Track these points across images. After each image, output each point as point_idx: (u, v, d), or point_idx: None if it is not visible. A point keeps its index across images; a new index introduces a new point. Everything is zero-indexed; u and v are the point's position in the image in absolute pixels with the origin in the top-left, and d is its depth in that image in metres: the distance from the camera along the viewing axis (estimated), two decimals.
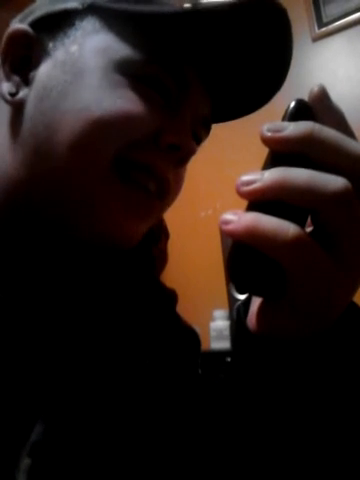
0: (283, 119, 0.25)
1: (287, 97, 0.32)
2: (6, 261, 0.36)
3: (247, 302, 0.31)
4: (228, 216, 0.23)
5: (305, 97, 0.26)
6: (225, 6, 0.32)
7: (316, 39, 1.56)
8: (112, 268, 0.42)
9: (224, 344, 1.41)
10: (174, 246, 1.62)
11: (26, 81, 0.36)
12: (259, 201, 0.23)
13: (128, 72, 0.34)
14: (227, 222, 0.23)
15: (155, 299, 0.45)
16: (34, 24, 0.37)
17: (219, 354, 1.10)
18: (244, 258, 0.24)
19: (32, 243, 0.37)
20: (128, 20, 0.34)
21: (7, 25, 0.39)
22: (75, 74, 0.34)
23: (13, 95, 0.36)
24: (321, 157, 0.23)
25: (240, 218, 0.23)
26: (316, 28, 1.55)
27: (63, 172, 0.34)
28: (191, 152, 0.37)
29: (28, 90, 0.36)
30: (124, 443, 0.34)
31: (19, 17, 0.39)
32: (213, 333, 1.46)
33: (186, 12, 0.33)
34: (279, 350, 0.27)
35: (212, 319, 1.50)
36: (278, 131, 0.23)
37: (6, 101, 0.36)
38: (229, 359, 0.35)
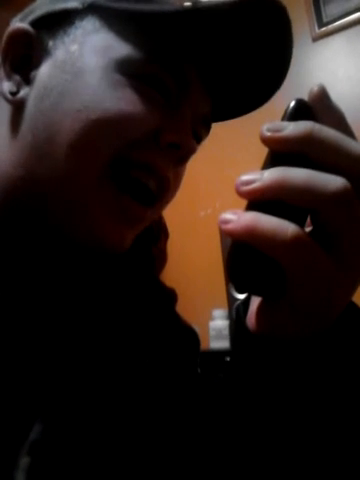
0: (283, 119, 0.25)
1: (287, 97, 0.32)
2: (4, 260, 0.36)
3: (247, 302, 0.31)
4: (227, 215, 0.23)
5: (305, 97, 0.26)
6: (225, 5, 0.32)
7: (316, 39, 1.56)
8: (111, 267, 0.42)
9: (223, 343, 1.41)
10: (174, 246, 1.63)
11: (27, 80, 0.36)
12: (259, 201, 0.23)
13: (128, 71, 0.34)
14: (226, 221, 0.23)
15: (154, 298, 0.45)
16: (34, 23, 0.37)
17: (218, 353, 1.10)
18: (243, 257, 0.24)
19: (31, 242, 0.37)
20: (128, 19, 0.34)
21: (7, 25, 0.39)
22: (75, 74, 0.34)
23: (14, 94, 0.36)
24: (321, 157, 0.23)
25: (239, 217, 0.23)
26: (316, 28, 1.55)
27: (61, 172, 0.34)
28: (191, 151, 0.37)
29: (29, 89, 0.36)
30: (123, 442, 0.34)
31: (19, 16, 0.39)
32: (212, 332, 1.46)
33: (186, 11, 0.33)
34: (278, 350, 0.27)
35: (211, 318, 1.50)
36: (278, 131, 0.23)
37: (7, 100, 0.36)
38: (228, 358, 0.35)
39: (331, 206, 0.22)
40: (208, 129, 0.42)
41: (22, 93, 0.36)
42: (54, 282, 0.37)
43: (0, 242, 0.36)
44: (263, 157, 0.25)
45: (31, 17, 0.37)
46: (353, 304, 0.28)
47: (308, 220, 0.24)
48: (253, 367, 0.29)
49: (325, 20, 1.54)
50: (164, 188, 0.37)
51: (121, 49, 0.34)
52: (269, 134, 0.23)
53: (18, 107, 0.36)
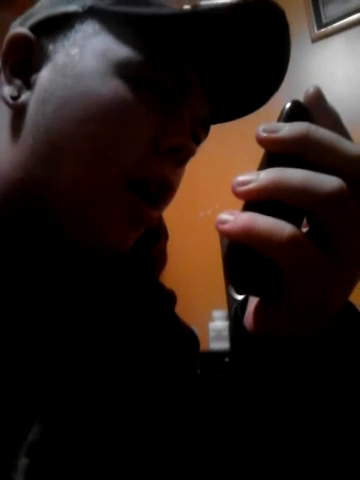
0: (279, 120, 0.25)
1: (286, 97, 0.32)
2: (4, 261, 0.36)
3: (245, 302, 0.31)
4: (224, 216, 0.23)
5: (302, 98, 0.26)
6: (224, 8, 0.33)
7: (315, 40, 1.56)
8: (111, 269, 0.42)
9: (223, 344, 1.41)
10: (173, 247, 1.63)
11: (27, 84, 0.36)
12: (255, 201, 0.23)
13: (127, 74, 0.34)
14: (223, 222, 0.23)
15: (154, 300, 0.45)
16: (35, 27, 0.37)
17: (218, 354, 1.10)
18: (240, 258, 0.24)
19: (30, 243, 0.37)
20: (128, 22, 0.35)
21: (8, 26, 0.39)
22: (75, 78, 0.34)
23: (15, 98, 0.36)
24: (316, 158, 0.23)
25: (236, 218, 0.23)
26: (315, 29, 1.55)
27: (65, 181, 0.34)
28: (191, 153, 0.37)
29: (29, 94, 0.36)
30: (122, 443, 0.34)
31: (20, 20, 0.39)
32: (212, 333, 1.46)
33: (185, 14, 0.33)
34: (275, 350, 0.27)
35: (211, 319, 1.50)
36: (273, 132, 0.23)
37: (7, 104, 0.36)
38: (228, 359, 0.35)
39: (327, 206, 0.22)
40: (207, 131, 0.42)
41: (23, 97, 0.36)
42: (53, 283, 0.37)
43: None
44: (259, 161, 0.25)
45: (31, 21, 0.37)
46: (350, 304, 0.28)
47: (305, 221, 0.24)
48: (250, 367, 0.29)
49: (324, 21, 1.54)
50: (165, 190, 0.37)
51: (121, 52, 0.34)
52: (265, 135, 0.23)
53: (19, 111, 0.36)
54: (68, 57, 0.35)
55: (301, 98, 0.26)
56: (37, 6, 0.39)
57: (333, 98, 0.26)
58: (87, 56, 0.35)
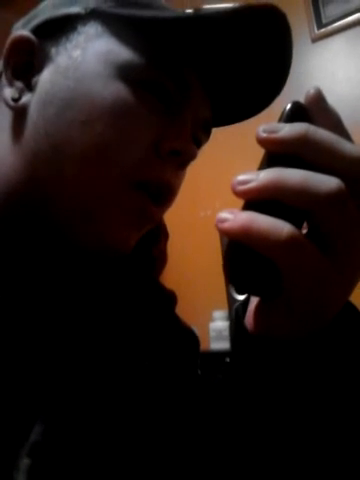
0: (279, 121, 0.25)
1: (286, 98, 0.32)
2: (6, 262, 0.36)
3: (246, 303, 0.31)
4: (224, 215, 0.23)
5: (302, 99, 0.26)
6: (226, 13, 0.33)
7: (315, 40, 1.56)
8: (111, 269, 0.42)
9: (224, 345, 1.41)
10: (173, 247, 1.62)
11: (29, 86, 0.36)
12: (255, 201, 0.23)
13: (129, 77, 0.34)
14: (223, 220, 0.23)
15: (154, 300, 0.45)
16: (37, 29, 0.37)
17: (219, 355, 1.10)
18: (239, 257, 0.24)
19: (31, 244, 0.37)
20: (130, 25, 0.35)
21: (8, 26, 0.39)
22: (77, 80, 0.34)
23: (16, 100, 0.36)
24: (315, 158, 0.23)
25: (236, 217, 0.23)
26: (315, 29, 1.55)
27: (67, 182, 0.34)
28: (192, 157, 0.37)
29: (31, 96, 0.36)
30: (123, 444, 0.34)
31: (22, 21, 0.39)
32: (212, 334, 1.46)
33: (187, 18, 0.34)
34: (276, 350, 0.27)
35: (212, 320, 1.50)
36: (273, 132, 0.23)
37: (8, 106, 0.36)
38: (228, 359, 0.35)
39: (326, 206, 0.22)
40: (208, 134, 0.42)
41: (24, 99, 0.36)
42: (55, 284, 0.37)
43: (1, 243, 0.36)
44: (259, 161, 0.25)
45: (34, 23, 0.37)
46: (350, 304, 0.28)
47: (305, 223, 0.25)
48: (251, 367, 0.29)
49: (324, 21, 1.54)
50: (166, 193, 0.37)
51: (123, 54, 0.34)
52: (265, 135, 0.24)
53: (20, 113, 0.36)
54: (70, 59, 0.35)
55: (301, 99, 0.26)
56: (40, 8, 0.39)
57: (333, 98, 0.26)
58: (89, 58, 0.35)
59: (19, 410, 0.30)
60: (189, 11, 0.34)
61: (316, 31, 1.55)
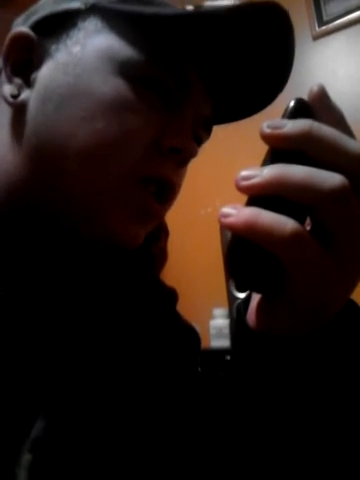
0: (283, 117, 0.25)
1: (287, 95, 0.32)
2: (7, 259, 0.36)
3: (247, 300, 0.31)
4: (227, 210, 0.24)
5: (305, 96, 0.26)
6: (227, 10, 0.33)
7: (316, 37, 1.55)
8: (112, 266, 0.42)
9: (224, 342, 1.41)
10: (174, 244, 1.62)
11: (28, 83, 0.36)
12: (258, 196, 0.23)
13: (129, 74, 0.34)
14: (226, 215, 0.23)
15: (155, 297, 0.45)
16: (37, 25, 0.37)
17: (219, 352, 1.10)
18: (243, 252, 0.24)
19: (33, 241, 0.37)
20: (130, 21, 0.34)
21: (8, 25, 0.39)
22: (77, 76, 0.34)
23: (15, 97, 0.36)
24: (319, 154, 0.23)
25: (239, 212, 0.23)
26: (316, 26, 1.55)
27: (69, 178, 0.34)
28: (192, 154, 0.37)
29: (30, 92, 0.36)
30: (124, 440, 0.34)
31: (23, 17, 0.39)
32: (213, 331, 1.46)
33: (188, 15, 0.33)
34: (278, 347, 0.27)
35: (212, 317, 1.50)
36: (277, 128, 0.23)
37: (8, 103, 0.36)
38: (229, 357, 0.35)
39: (329, 203, 0.22)
40: (209, 132, 0.42)
41: (23, 96, 0.36)
42: (56, 280, 0.37)
43: (1, 241, 0.36)
44: (263, 156, 0.25)
45: (34, 18, 0.37)
46: (352, 302, 0.28)
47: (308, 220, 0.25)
48: (253, 364, 0.30)
49: (325, 19, 1.54)
50: (166, 191, 0.37)
51: (122, 51, 0.34)
52: (269, 131, 0.24)
53: (19, 110, 0.36)
54: (70, 55, 0.35)
55: (302, 96, 0.26)
56: (40, 3, 0.39)
57: (334, 96, 0.26)
58: (89, 54, 0.35)
59: (21, 406, 0.30)
60: (190, 8, 0.34)
61: (317, 29, 1.55)
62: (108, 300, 0.40)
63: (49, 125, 0.34)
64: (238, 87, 0.40)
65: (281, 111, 0.26)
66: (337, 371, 0.27)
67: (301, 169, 0.23)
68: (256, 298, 0.29)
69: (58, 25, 0.36)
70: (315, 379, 0.27)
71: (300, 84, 0.58)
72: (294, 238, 0.22)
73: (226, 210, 0.24)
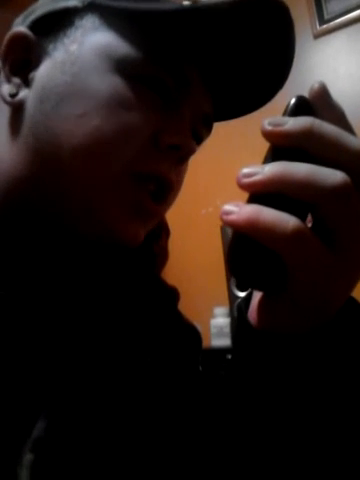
0: (284, 115, 0.25)
1: (288, 94, 0.32)
2: (6, 258, 0.36)
3: (248, 298, 0.31)
4: (229, 207, 0.24)
5: (306, 94, 0.26)
6: (225, 4, 0.32)
7: (317, 36, 1.55)
8: (113, 265, 0.42)
9: (225, 341, 1.41)
10: (175, 243, 1.62)
11: (26, 82, 0.36)
12: (260, 194, 0.23)
13: (126, 71, 0.34)
14: (228, 213, 0.23)
15: (156, 296, 0.45)
16: (35, 24, 0.37)
17: (220, 351, 1.10)
18: (244, 249, 0.24)
19: (32, 240, 0.37)
20: (128, 18, 0.34)
21: (8, 25, 0.39)
22: (74, 75, 0.34)
23: (13, 96, 0.36)
24: (321, 152, 0.23)
25: (241, 209, 0.23)
26: (317, 25, 1.54)
27: (68, 176, 0.34)
28: (191, 151, 0.37)
29: (28, 91, 0.36)
30: (125, 439, 0.34)
31: (21, 17, 0.39)
32: (214, 330, 1.46)
33: (186, 9, 0.33)
34: (279, 344, 0.27)
35: (213, 316, 1.50)
36: (279, 125, 0.23)
37: (6, 102, 0.36)
38: (230, 356, 0.35)
39: (331, 200, 0.22)
40: (209, 129, 0.42)
41: (21, 95, 0.36)
42: (57, 279, 0.37)
43: (1, 241, 0.36)
44: (264, 155, 0.25)
45: (31, 17, 0.37)
46: (353, 299, 0.28)
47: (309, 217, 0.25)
48: (254, 363, 0.29)
49: (326, 17, 1.53)
50: (165, 190, 0.37)
51: (120, 48, 0.34)
52: (270, 128, 0.24)
53: (17, 109, 0.36)
54: (67, 53, 0.35)
55: (303, 94, 0.26)
56: (39, 2, 0.38)
57: (335, 94, 0.26)
58: (86, 52, 0.34)
59: (22, 406, 0.30)
60: (187, 3, 0.34)
61: (318, 27, 1.54)
62: (109, 299, 0.40)
63: (47, 124, 0.34)
64: (239, 83, 0.40)
65: (282, 109, 0.26)
66: (339, 368, 0.27)
67: (303, 166, 0.22)
68: (257, 296, 0.29)
69: (56, 24, 0.36)
70: (317, 376, 0.27)
71: (301, 82, 0.58)
72: (296, 235, 0.22)
73: (228, 207, 0.23)
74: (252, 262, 0.24)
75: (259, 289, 0.28)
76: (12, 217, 0.36)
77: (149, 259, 0.51)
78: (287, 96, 0.27)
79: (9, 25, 0.40)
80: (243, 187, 0.23)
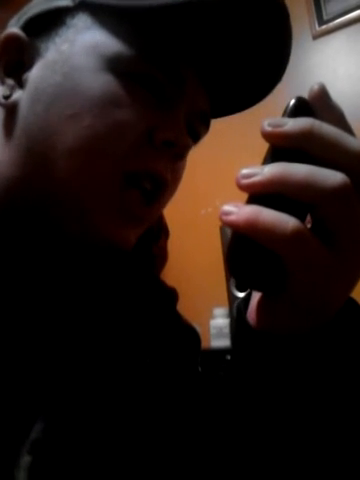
0: (283, 116, 0.25)
1: (287, 94, 0.32)
2: (5, 259, 0.36)
3: (247, 299, 0.31)
4: (229, 208, 0.23)
5: (305, 95, 0.26)
6: None
7: (316, 37, 1.55)
8: (112, 266, 0.42)
9: (224, 342, 1.41)
10: (174, 244, 1.63)
11: (20, 83, 0.36)
12: (259, 194, 0.23)
13: (119, 70, 0.34)
14: (228, 213, 0.23)
15: (155, 297, 0.45)
16: (28, 25, 0.37)
17: (219, 352, 1.10)
18: (243, 250, 0.24)
19: (30, 241, 0.37)
20: (120, 16, 0.34)
21: (5, 25, 0.39)
22: (65, 75, 0.34)
23: (7, 98, 0.36)
24: (320, 153, 0.23)
25: (241, 210, 0.23)
26: (316, 26, 1.55)
27: (60, 177, 0.34)
28: (186, 147, 0.37)
29: (22, 92, 0.36)
30: (124, 441, 0.34)
31: (15, 18, 0.39)
32: (213, 331, 1.46)
33: (177, 4, 0.32)
34: (278, 345, 0.27)
35: (212, 317, 1.50)
36: (278, 126, 0.23)
37: (0, 104, 0.36)
38: (229, 357, 0.35)
39: (330, 201, 0.22)
40: (207, 126, 0.42)
41: (15, 96, 0.36)
42: (54, 281, 0.37)
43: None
44: (263, 156, 0.25)
45: (24, 18, 0.37)
46: (352, 300, 0.28)
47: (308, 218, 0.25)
48: (253, 363, 0.29)
49: (325, 18, 1.53)
50: (160, 188, 0.37)
51: (112, 46, 0.34)
52: (270, 129, 0.24)
53: (11, 111, 0.36)
54: (58, 53, 0.35)
55: (302, 95, 0.26)
56: (32, 3, 0.38)
57: (335, 95, 0.26)
58: (77, 51, 0.34)
59: (20, 408, 0.30)
60: None
61: (317, 28, 1.54)
62: (108, 300, 0.40)
63: (39, 125, 0.34)
64: (236, 78, 0.40)
65: (281, 110, 0.25)
66: (338, 369, 0.27)
67: (302, 167, 0.22)
68: (256, 297, 0.29)
69: (48, 23, 0.36)
70: (316, 377, 0.27)
71: (300, 83, 0.58)
72: (295, 236, 0.22)
73: (227, 208, 0.23)
74: (251, 263, 0.24)
75: (258, 290, 0.28)
76: (7, 218, 0.36)
77: (148, 260, 0.51)
78: (286, 97, 0.27)
79: (6, 25, 0.40)
80: (242, 188, 0.23)
